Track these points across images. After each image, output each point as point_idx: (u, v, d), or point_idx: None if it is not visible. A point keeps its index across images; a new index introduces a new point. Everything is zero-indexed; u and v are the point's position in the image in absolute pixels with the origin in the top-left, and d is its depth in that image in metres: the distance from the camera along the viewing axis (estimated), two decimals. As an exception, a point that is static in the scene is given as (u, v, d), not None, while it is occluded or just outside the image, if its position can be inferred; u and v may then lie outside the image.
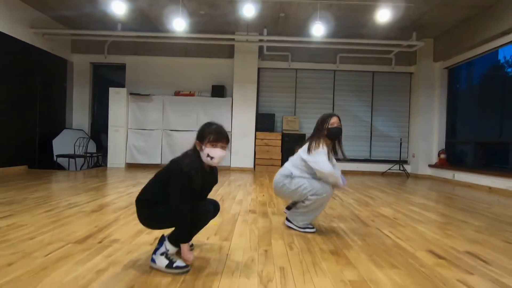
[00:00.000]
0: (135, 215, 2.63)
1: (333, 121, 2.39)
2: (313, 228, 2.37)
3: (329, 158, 2.33)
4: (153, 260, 1.59)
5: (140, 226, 2.30)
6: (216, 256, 1.79)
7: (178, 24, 5.47)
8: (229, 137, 1.73)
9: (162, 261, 1.56)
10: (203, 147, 1.62)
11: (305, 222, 2.36)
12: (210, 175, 1.72)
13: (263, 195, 3.87)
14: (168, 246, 1.59)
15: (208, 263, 1.69)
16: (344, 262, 1.76)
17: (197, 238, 2.07)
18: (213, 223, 2.48)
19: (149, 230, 2.24)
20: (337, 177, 2.31)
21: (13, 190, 3.64)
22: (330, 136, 2.38)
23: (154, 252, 1.62)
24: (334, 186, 2.35)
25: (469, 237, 2.35)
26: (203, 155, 1.62)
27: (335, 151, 2.45)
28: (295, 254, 1.86)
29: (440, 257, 1.90)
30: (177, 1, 5.40)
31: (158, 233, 2.14)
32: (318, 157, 2.27)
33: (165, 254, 1.57)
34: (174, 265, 1.54)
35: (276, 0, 5.29)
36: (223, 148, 1.63)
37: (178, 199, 1.54)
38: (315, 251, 1.93)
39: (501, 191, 4.90)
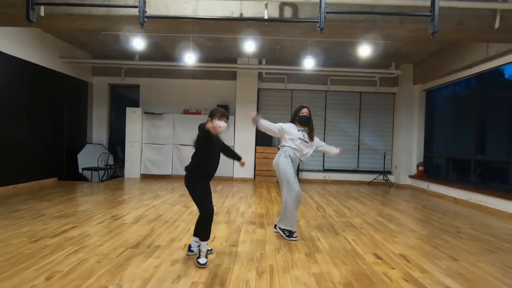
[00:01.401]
0: (166, 225, 3.57)
1: (303, 111, 3.43)
2: (296, 238, 3.25)
3: (304, 138, 3.39)
4: (191, 250, 2.70)
5: (173, 235, 3.22)
6: (227, 257, 2.69)
7: (189, 57, 6.39)
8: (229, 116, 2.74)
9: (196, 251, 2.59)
10: (213, 120, 2.54)
11: (286, 226, 3.27)
12: (218, 138, 2.72)
13: (261, 207, 4.78)
14: (201, 244, 2.55)
15: (223, 261, 2.59)
16: (313, 261, 2.66)
17: (214, 245, 2.97)
18: (223, 233, 3.38)
19: (179, 237, 3.15)
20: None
21: (60, 204, 4.55)
22: (300, 122, 3.42)
23: (191, 246, 2.69)
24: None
25: (409, 243, 3.24)
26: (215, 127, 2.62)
27: (311, 136, 3.43)
28: (281, 256, 2.76)
29: (379, 257, 2.79)
30: (188, 36, 6.31)
31: (187, 240, 3.04)
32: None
33: (199, 251, 2.53)
34: (203, 261, 2.48)
35: (273, 38, 6.19)
36: (225, 121, 2.57)
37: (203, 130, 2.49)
38: (294, 253, 2.83)
39: (463, 202, 5.79)
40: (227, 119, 2.67)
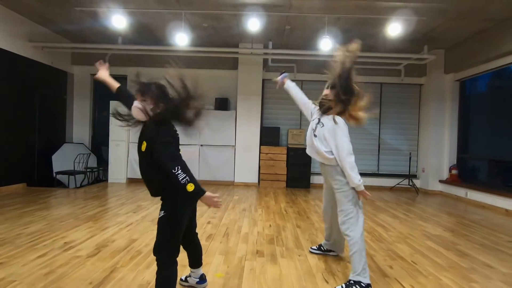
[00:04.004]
0: (135, 261, 2.50)
1: (324, 92, 2.41)
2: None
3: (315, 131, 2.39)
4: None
5: (141, 278, 2.13)
6: (222, 333, 1.60)
7: (181, 39, 5.30)
8: (149, 88, 1.69)
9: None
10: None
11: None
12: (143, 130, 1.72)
13: (270, 225, 3.68)
14: None
15: None
16: None
17: (201, 303, 1.88)
18: (217, 274, 2.29)
19: (151, 282, 2.06)
20: None
21: (8, 221, 3.47)
22: (320, 108, 2.40)
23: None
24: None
25: (499, 294, 2.14)
26: None
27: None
28: (311, 329, 1.67)
29: (474, 332, 1.70)
30: (180, 14, 5.22)
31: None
32: None
33: None
34: None
35: (282, 14, 5.09)
36: (139, 100, 1.68)
37: None
38: (332, 323, 1.73)
39: (518, 214, 4.68)
40: (142, 94, 1.68)
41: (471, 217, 4.54)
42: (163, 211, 1.66)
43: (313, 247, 2.85)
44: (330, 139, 2.26)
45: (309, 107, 2.60)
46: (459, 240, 3.36)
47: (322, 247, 2.78)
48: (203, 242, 2.97)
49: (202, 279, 2.05)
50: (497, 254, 2.95)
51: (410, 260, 2.71)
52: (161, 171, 1.59)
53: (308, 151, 2.48)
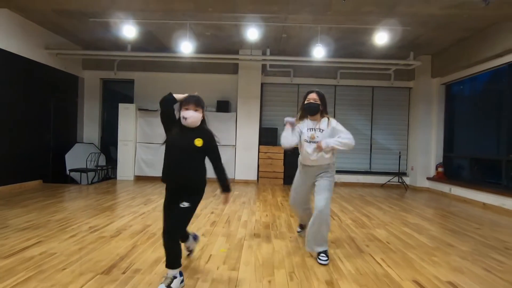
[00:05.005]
0: (151, 240, 2.97)
1: (309, 97, 2.66)
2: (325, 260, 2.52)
3: (312, 139, 2.65)
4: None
5: (158, 253, 2.59)
6: None
7: (185, 47, 5.77)
8: (202, 102, 2.10)
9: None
10: (180, 113, 2.07)
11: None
12: (191, 132, 2.07)
13: (267, 215, 4.14)
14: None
15: (220, 295, 1.96)
16: (338, 294, 2.02)
17: (209, 268, 2.34)
18: (221, 250, 2.75)
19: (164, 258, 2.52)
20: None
21: (35, 211, 3.93)
22: (306, 111, 2.68)
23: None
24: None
25: (453, 265, 2.60)
26: (182, 120, 2.06)
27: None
28: (295, 285, 2.13)
29: (422, 287, 2.15)
30: (185, 24, 5.70)
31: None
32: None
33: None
34: None
35: (278, 24, 5.56)
36: (193, 110, 2.03)
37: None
38: (312, 281, 2.19)
39: (494, 207, 5.12)
40: (196, 105, 2.04)
41: (450, 210, 5.00)
42: (188, 203, 2.04)
43: (298, 229, 3.28)
44: (334, 135, 2.62)
45: (298, 137, 2.71)
46: (433, 227, 3.82)
47: (303, 226, 3.18)
48: (207, 227, 3.44)
49: (195, 237, 2.54)
50: (462, 237, 3.40)
51: (385, 241, 3.17)
52: (205, 168, 2.11)
53: (308, 163, 2.69)
